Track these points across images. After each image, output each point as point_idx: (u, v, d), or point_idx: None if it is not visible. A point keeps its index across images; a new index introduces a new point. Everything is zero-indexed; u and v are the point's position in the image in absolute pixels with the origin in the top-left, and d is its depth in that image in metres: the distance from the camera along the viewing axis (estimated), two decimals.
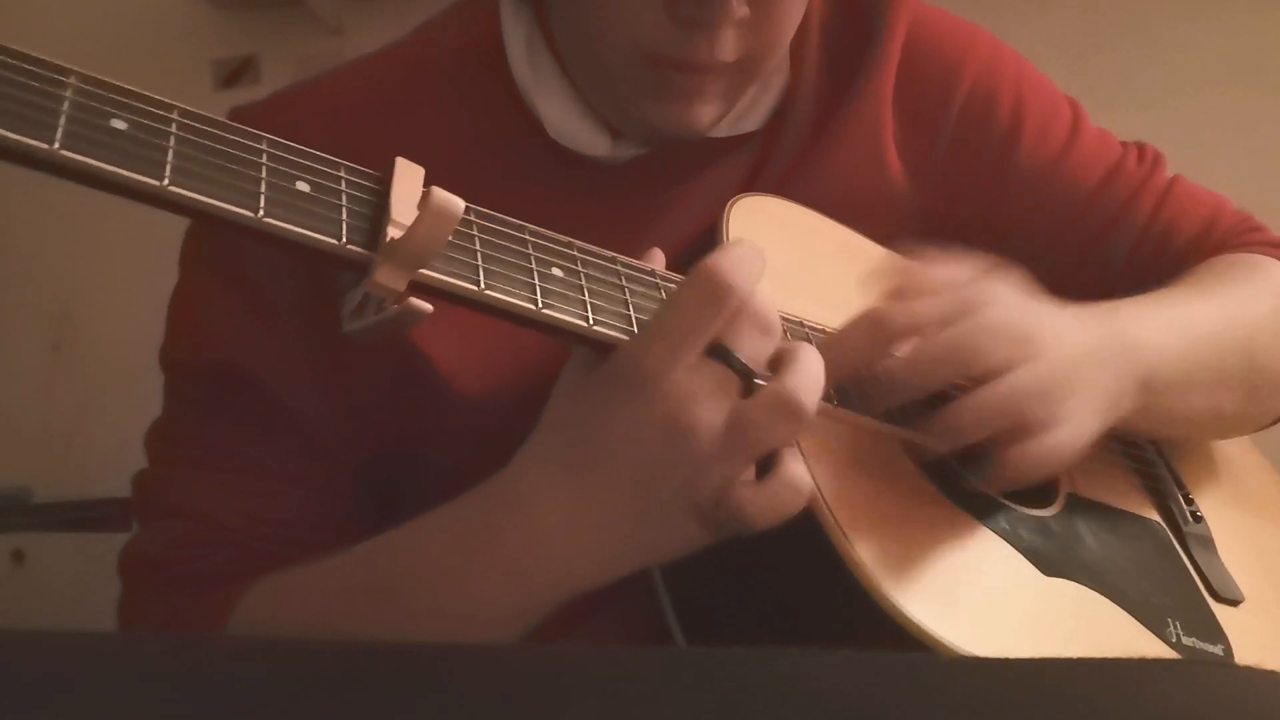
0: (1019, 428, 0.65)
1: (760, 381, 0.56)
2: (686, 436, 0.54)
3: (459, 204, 0.52)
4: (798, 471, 0.56)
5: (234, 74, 1.88)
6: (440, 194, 0.51)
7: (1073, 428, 0.67)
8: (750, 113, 0.82)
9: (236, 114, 0.81)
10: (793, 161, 0.81)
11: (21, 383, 1.85)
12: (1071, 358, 0.67)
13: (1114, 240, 0.88)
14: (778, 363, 0.57)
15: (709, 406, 0.55)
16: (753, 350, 0.56)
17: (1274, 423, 0.89)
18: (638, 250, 0.64)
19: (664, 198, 0.80)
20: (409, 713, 0.46)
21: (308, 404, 0.74)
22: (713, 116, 0.76)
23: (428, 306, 0.52)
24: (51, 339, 1.86)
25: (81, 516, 1.55)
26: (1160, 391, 0.74)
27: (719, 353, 0.55)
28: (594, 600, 0.70)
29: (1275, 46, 1.54)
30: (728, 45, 0.71)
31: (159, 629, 0.73)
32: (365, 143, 0.78)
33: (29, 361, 1.86)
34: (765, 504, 0.56)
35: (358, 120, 0.79)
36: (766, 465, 0.57)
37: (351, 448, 0.76)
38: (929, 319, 0.65)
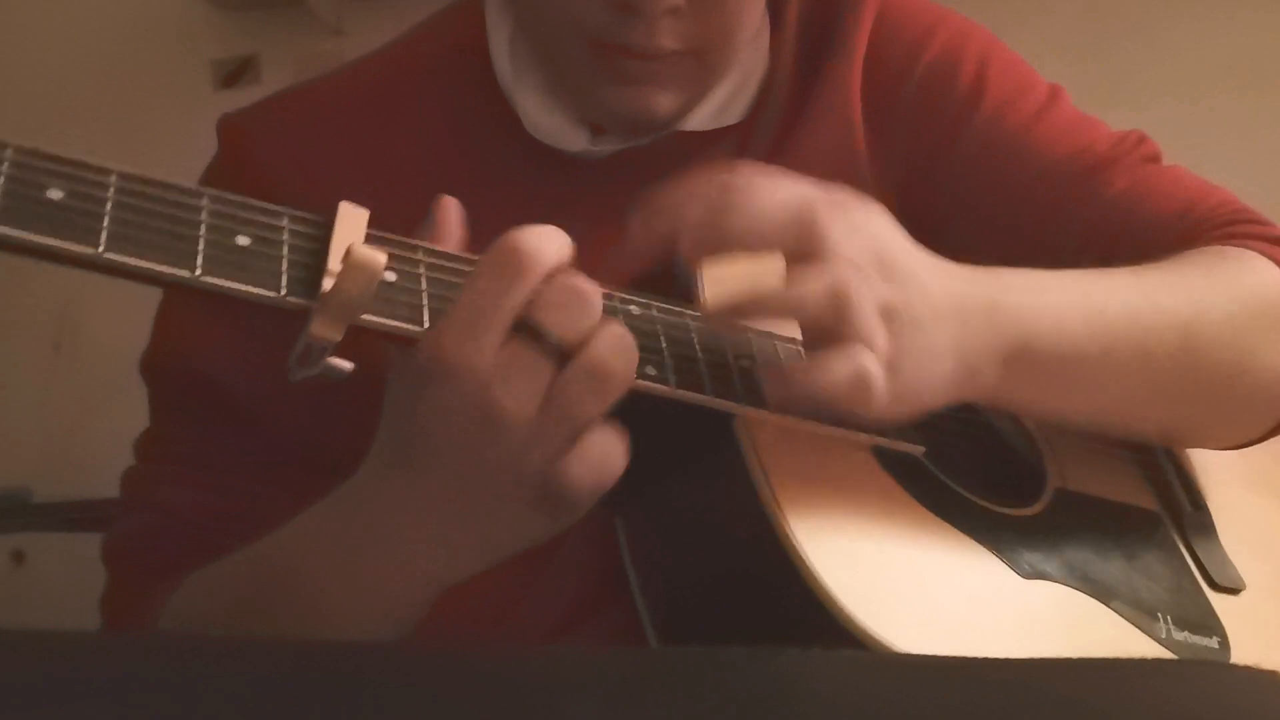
0: (842, 325, 0.57)
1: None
2: (495, 422, 0.52)
3: (379, 258, 0.51)
4: (605, 433, 0.54)
5: (234, 74, 1.88)
6: (359, 249, 0.51)
7: (914, 372, 0.59)
8: (732, 105, 0.81)
9: (227, 120, 0.82)
10: (768, 154, 0.81)
11: (21, 383, 1.85)
12: (929, 302, 0.60)
13: (1074, 212, 0.80)
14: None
15: (516, 387, 0.52)
16: (567, 325, 0.53)
17: (1256, 440, 0.79)
18: (619, 246, 0.63)
19: (644, 192, 0.80)
20: (409, 713, 0.46)
21: (275, 408, 0.75)
22: (672, 104, 0.76)
23: (348, 365, 0.52)
24: (51, 339, 1.86)
25: (81, 516, 1.54)
26: (1039, 367, 0.65)
27: (526, 328, 0.53)
28: (578, 610, 0.70)
29: (1275, 46, 1.54)
30: (666, 33, 0.71)
31: (117, 617, 0.75)
32: (352, 145, 0.78)
33: (29, 361, 1.86)
34: (581, 472, 0.53)
35: (345, 122, 0.79)
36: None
37: (322, 449, 0.76)
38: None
